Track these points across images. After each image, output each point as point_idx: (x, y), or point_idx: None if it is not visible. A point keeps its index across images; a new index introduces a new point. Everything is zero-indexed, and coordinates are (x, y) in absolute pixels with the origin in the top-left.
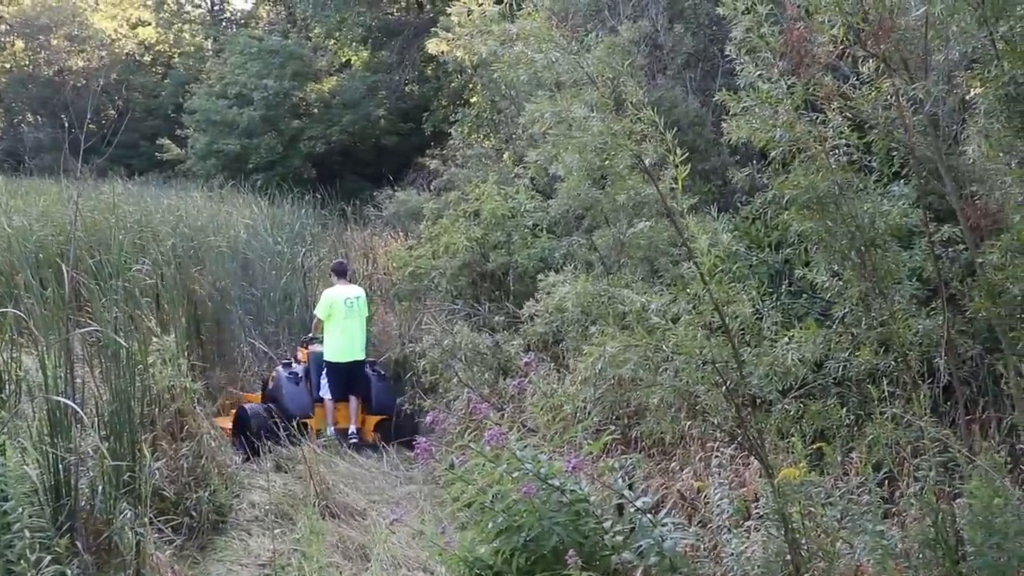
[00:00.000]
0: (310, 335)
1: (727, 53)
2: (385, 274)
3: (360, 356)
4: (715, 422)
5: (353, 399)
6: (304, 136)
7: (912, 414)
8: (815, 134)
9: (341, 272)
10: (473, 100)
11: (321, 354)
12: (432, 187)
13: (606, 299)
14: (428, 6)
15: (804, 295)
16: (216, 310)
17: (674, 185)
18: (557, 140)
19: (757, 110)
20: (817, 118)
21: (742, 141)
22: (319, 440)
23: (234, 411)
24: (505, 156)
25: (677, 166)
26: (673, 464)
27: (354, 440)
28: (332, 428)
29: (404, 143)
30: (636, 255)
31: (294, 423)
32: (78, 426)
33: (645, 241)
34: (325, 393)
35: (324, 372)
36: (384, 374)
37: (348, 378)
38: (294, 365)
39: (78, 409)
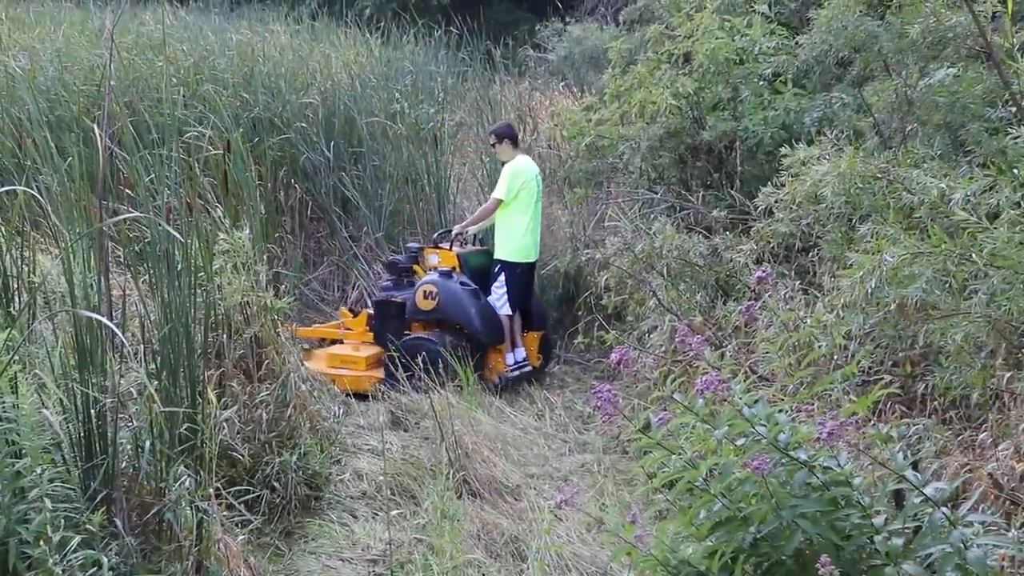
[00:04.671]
0: (454, 229)
1: None
2: (550, 147)
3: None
4: None
5: (518, 314)
6: None
7: None
8: None
9: (515, 138)
10: None
11: (476, 255)
12: (620, 19)
13: (884, 184)
14: None
15: None
16: (307, 195)
17: (999, 9)
18: None
19: None
20: None
21: None
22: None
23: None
24: None
25: None
26: (983, 435)
27: (528, 368)
28: (513, 354)
29: None
30: (932, 119)
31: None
32: (117, 356)
33: (947, 97)
34: (502, 308)
35: (501, 278)
36: None
37: (528, 285)
38: (454, 274)
39: (117, 331)
